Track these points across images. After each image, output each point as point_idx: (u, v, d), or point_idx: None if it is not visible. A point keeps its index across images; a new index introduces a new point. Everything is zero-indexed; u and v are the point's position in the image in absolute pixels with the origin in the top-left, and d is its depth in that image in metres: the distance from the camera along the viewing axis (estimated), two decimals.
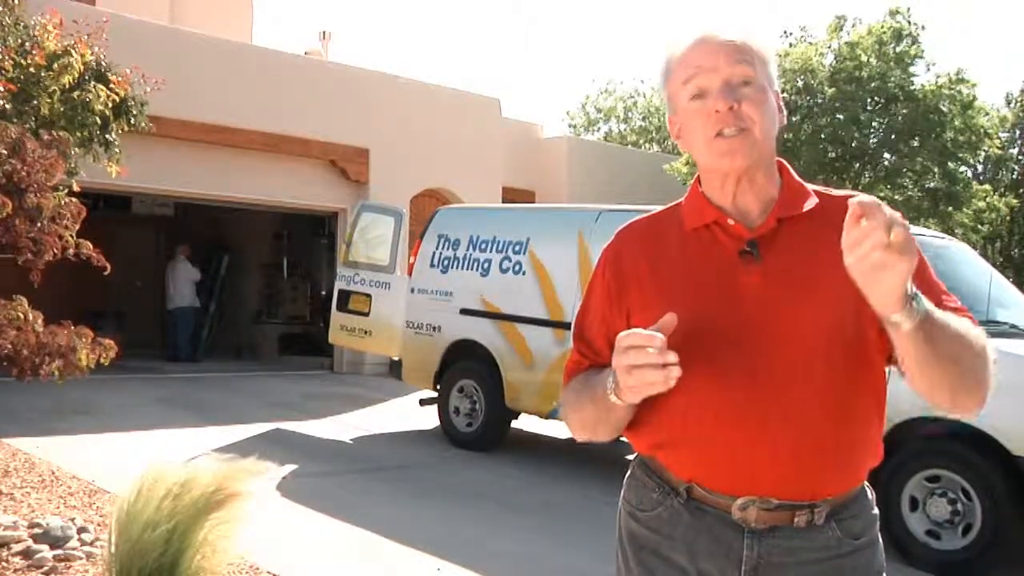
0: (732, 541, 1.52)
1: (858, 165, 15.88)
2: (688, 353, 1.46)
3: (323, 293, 13.88)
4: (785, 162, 1.63)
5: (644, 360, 1.35)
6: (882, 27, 15.42)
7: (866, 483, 1.61)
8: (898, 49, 15.31)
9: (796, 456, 1.48)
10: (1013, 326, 5.37)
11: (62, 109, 6.02)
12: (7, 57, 5.49)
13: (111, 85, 6.37)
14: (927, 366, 1.37)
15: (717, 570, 1.53)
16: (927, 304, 1.31)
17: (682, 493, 1.57)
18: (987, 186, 16.87)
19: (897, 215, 1.23)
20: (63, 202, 4.39)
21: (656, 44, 51.81)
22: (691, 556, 1.55)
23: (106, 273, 4.62)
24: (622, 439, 1.65)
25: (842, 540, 1.53)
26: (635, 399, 1.44)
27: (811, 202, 1.57)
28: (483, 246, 7.59)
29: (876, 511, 1.62)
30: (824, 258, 1.51)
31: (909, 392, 1.49)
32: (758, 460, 1.48)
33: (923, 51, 15.47)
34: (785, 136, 13.74)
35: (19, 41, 6.00)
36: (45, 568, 3.73)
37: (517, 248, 7.32)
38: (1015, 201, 17.80)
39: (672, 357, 1.35)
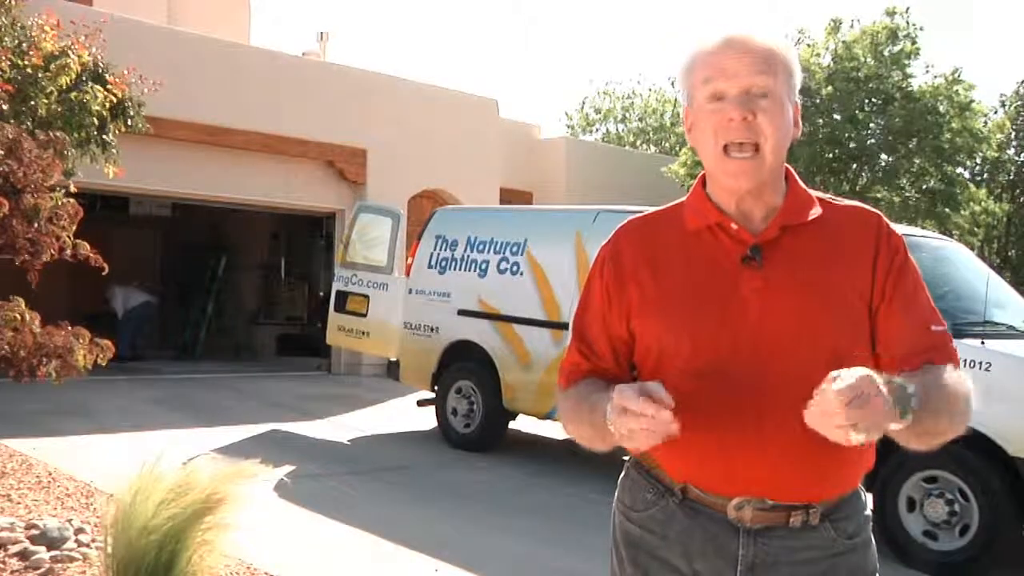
0: (727, 541, 1.52)
1: (856, 165, 15.89)
2: (690, 356, 1.47)
3: (321, 294, 13.87)
4: (792, 169, 1.62)
5: (640, 426, 1.36)
6: (876, 27, 15.42)
7: (860, 484, 1.62)
8: (895, 49, 15.32)
9: (792, 461, 1.48)
10: (1011, 327, 5.38)
11: (59, 110, 6.01)
12: (4, 58, 5.48)
13: (108, 86, 6.36)
14: (905, 441, 1.44)
15: (713, 570, 1.54)
16: (916, 403, 1.34)
17: (677, 493, 1.57)
18: (983, 191, 16.86)
19: (872, 399, 1.24)
20: (60, 203, 4.39)
21: (655, 45, 51.85)
22: (686, 556, 1.56)
23: (104, 274, 4.62)
24: None
25: (836, 540, 1.54)
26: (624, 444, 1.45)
27: (815, 211, 1.57)
28: (481, 247, 7.59)
29: (869, 512, 1.63)
30: (825, 268, 1.53)
31: None
32: (754, 464, 1.49)
33: (919, 50, 15.48)
34: None
35: (16, 42, 5.99)
36: (42, 569, 3.73)
37: (515, 249, 7.32)
38: (1007, 206, 17.83)
39: (669, 421, 1.34)
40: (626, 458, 1.71)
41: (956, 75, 15.37)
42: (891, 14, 15.60)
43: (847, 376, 1.24)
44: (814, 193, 1.61)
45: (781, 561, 1.51)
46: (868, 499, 1.66)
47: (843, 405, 1.22)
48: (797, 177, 1.61)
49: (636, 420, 1.34)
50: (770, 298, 1.50)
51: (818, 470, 1.50)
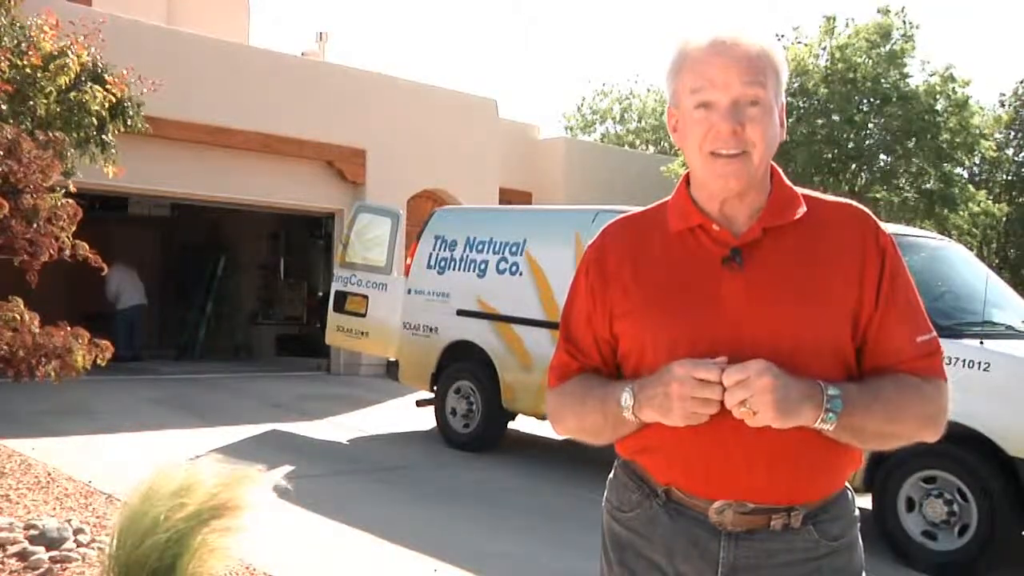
0: (709, 543, 1.52)
1: (854, 166, 15.88)
2: (668, 359, 1.46)
3: (320, 294, 13.87)
4: (777, 167, 1.60)
5: (715, 396, 1.40)
6: (868, 27, 15.39)
7: (847, 484, 1.61)
8: (891, 48, 15.29)
9: (771, 463, 1.48)
10: (1009, 327, 5.38)
11: (58, 110, 6.01)
12: (3, 58, 5.48)
13: (107, 86, 6.36)
14: (856, 442, 1.51)
15: (695, 572, 1.54)
16: (844, 406, 1.42)
17: (660, 495, 1.57)
18: (982, 192, 16.86)
19: (759, 387, 1.38)
20: (59, 203, 4.39)
21: (653, 45, 51.81)
22: (669, 557, 1.56)
23: (103, 274, 4.62)
24: None
25: (819, 542, 1.53)
26: (680, 424, 1.45)
27: (800, 210, 1.55)
28: (480, 247, 7.59)
29: (857, 513, 1.62)
30: (807, 267, 1.52)
31: None
32: (733, 467, 1.49)
33: (915, 49, 15.44)
34: None
35: (15, 42, 5.99)
36: (41, 570, 3.73)
37: (514, 249, 7.33)
38: (1006, 206, 17.84)
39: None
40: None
41: (949, 71, 15.35)
42: (884, 12, 15.55)
43: (742, 364, 1.39)
44: (800, 190, 1.59)
45: (762, 564, 1.51)
46: (857, 500, 1.65)
47: (729, 385, 1.38)
48: (783, 175, 1.59)
49: (709, 389, 1.40)
50: (750, 300, 1.49)
51: (798, 472, 1.50)
